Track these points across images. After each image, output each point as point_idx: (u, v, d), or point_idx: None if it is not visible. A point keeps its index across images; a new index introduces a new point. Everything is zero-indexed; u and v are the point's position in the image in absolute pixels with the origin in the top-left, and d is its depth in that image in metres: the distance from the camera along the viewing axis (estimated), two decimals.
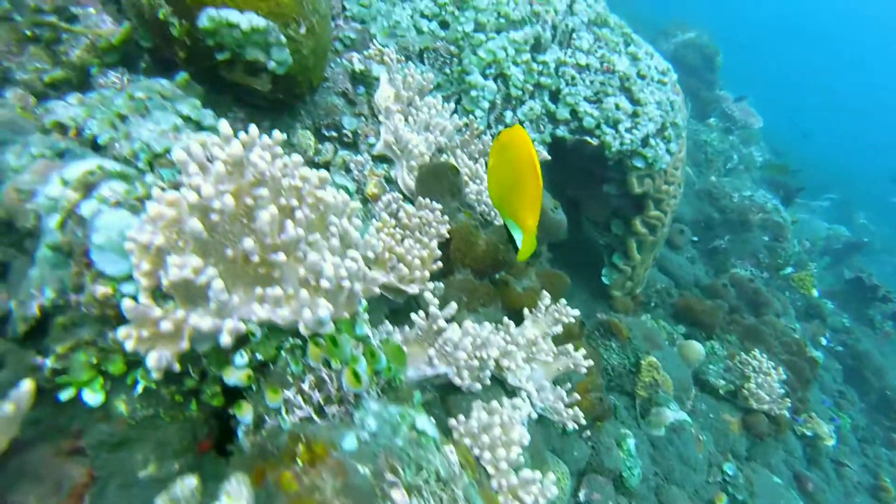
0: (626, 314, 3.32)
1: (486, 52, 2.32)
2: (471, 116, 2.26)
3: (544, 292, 1.60)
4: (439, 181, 1.60)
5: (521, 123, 2.47)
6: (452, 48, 2.38)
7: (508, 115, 2.42)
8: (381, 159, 1.84)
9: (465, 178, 1.77)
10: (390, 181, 1.81)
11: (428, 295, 1.20)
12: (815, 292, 5.09)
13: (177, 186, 0.95)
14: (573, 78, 2.60)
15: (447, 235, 1.50)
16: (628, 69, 2.69)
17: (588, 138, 2.62)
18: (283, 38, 1.39)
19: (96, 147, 1.24)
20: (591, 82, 2.64)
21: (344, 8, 2.18)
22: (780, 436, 2.90)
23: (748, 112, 8.00)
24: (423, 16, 2.47)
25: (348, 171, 1.74)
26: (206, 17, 1.30)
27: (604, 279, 3.15)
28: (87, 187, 0.83)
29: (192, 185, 0.74)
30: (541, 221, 1.95)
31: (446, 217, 1.51)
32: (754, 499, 2.45)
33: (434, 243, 1.39)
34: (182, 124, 1.24)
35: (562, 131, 2.60)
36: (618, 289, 3.18)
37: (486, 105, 2.31)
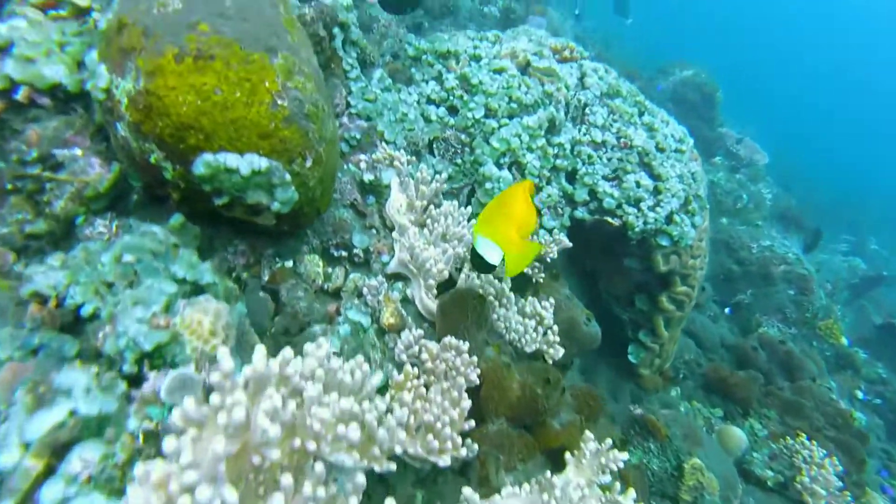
0: (656, 392, 3.12)
1: (500, 141, 2.20)
2: None
3: (587, 433, 1.42)
4: (463, 312, 1.44)
5: (539, 211, 2.33)
6: (463, 136, 2.26)
7: None
8: (396, 276, 1.69)
9: (490, 297, 1.61)
10: (407, 301, 1.66)
11: (468, 492, 1.02)
12: (844, 341, 4.86)
13: (163, 434, 0.79)
14: (590, 157, 2.48)
15: (477, 381, 1.33)
16: (646, 143, 2.57)
17: (609, 219, 2.48)
18: (288, 177, 1.26)
19: (79, 320, 1.09)
20: (609, 159, 2.51)
21: (348, 105, 2.07)
22: None
23: (753, 148, 7.91)
24: (430, 101, 2.37)
25: (360, 295, 1.58)
26: (202, 164, 1.17)
27: (630, 358, 2.96)
28: (54, 452, 0.67)
29: (185, 486, 0.57)
30: (573, 334, 1.79)
31: (475, 358, 1.35)
32: None
33: (465, 402, 1.22)
34: (176, 292, 1.09)
35: (581, 213, 2.46)
36: (646, 367, 2.98)
37: None
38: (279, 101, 1.23)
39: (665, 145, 2.64)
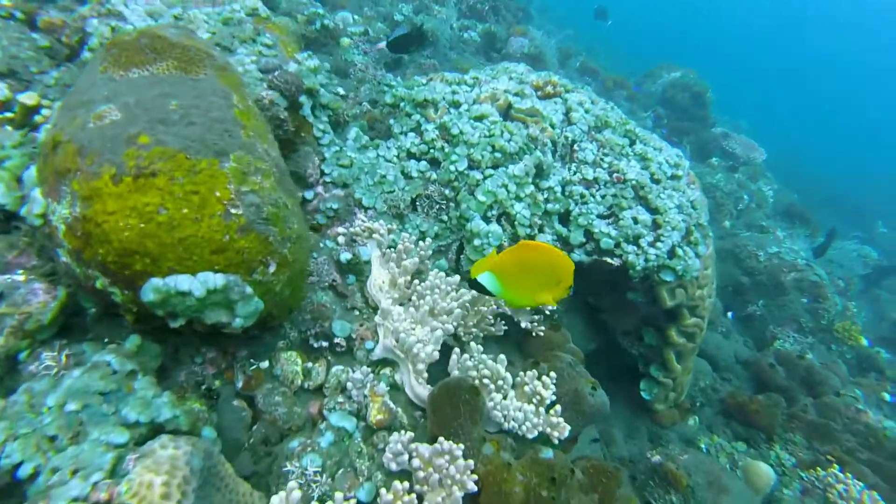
0: (674, 425, 2.98)
1: (486, 194, 2.10)
2: None
3: None
4: (455, 407, 1.33)
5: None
6: (447, 191, 2.16)
7: None
8: (383, 361, 1.58)
9: (486, 381, 1.48)
10: (397, 388, 1.54)
11: None
12: (864, 341, 4.70)
13: None
14: (582, 196, 2.37)
15: (475, 489, 1.21)
16: (640, 175, 2.46)
17: (608, 259, 2.36)
18: (249, 290, 1.15)
19: (15, 484, 0.98)
20: (603, 197, 2.40)
21: (323, 173, 1.97)
22: None
23: (749, 146, 7.79)
24: (410, 155, 2.27)
25: (344, 390, 1.47)
26: (151, 290, 1.06)
27: (644, 395, 2.82)
28: None
29: None
30: (579, 408, 1.66)
31: (471, 463, 1.23)
32: None
33: None
34: (126, 441, 0.98)
35: (578, 255, 2.34)
36: (661, 403, 2.84)
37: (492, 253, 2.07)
38: (233, 211, 1.13)
39: (660, 175, 2.53)
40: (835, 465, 2.57)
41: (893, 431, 3.95)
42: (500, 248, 2.13)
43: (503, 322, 2.06)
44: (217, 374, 1.36)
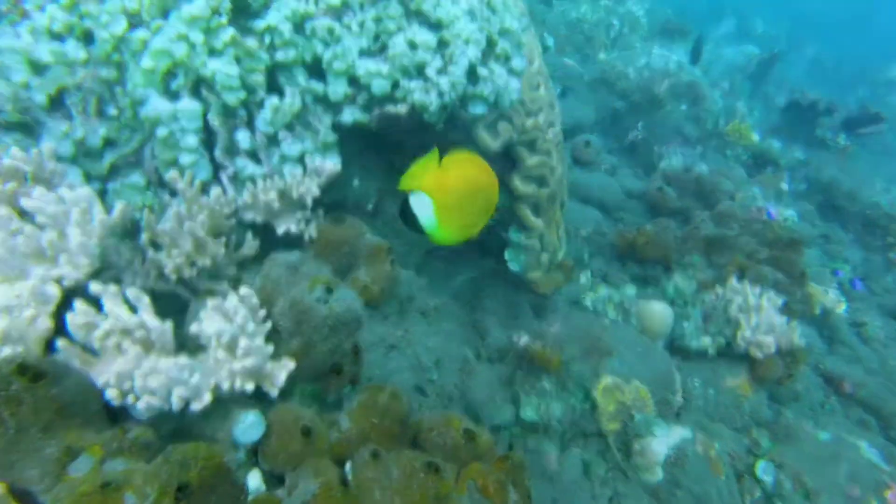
0: (559, 289, 2.54)
1: (154, 56, 1.37)
2: (172, 171, 1.34)
3: None
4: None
5: (277, 138, 1.56)
6: (105, 72, 1.42)
7: (243, 137, 1.50)
8: None
9: (111, 341, 0.86)
10: None
11: None
12: (755, 138, 4.42)
13: None
14: (331, 31, 1.67)
15: None
16: None
17: (390, 107, 1.73)
18: None
19: None
20: (362, 25, 1.72)
21: None
22: (800, 367, 2.21)
23: None
24: (52, 36, 1.49)
25: None
26: None
27: (511, 266, 2.33)
28: None
29: None
30: (310, 324, 1.08)
31: None
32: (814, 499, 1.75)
33: None
34: None
35: (349, 116, 1.69)
36: (533, 269, 2.36)
37: (193, 142, 1.38)
38: None
39: None
40: (732, 277, 2.20)
41: (793, 220, 3.75)
42: (207, 134, 1.45)
43: (253, 236, 1.45)
44: None
